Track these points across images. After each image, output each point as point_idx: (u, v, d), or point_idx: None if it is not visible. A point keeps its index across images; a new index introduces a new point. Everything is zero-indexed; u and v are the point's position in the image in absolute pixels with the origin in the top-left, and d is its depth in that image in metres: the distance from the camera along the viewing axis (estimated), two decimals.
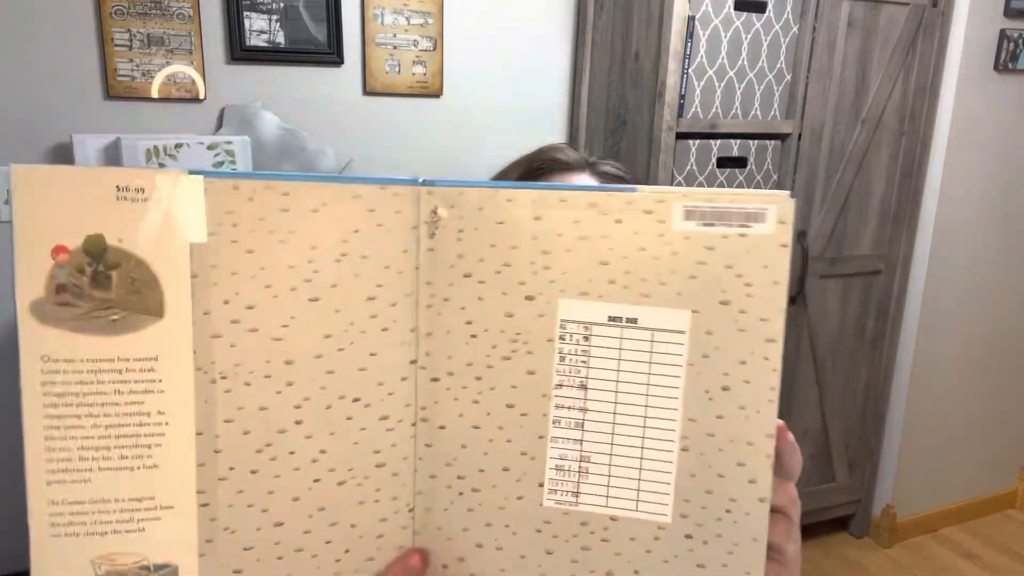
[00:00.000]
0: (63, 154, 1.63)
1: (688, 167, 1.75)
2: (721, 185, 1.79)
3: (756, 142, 1.81)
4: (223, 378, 0.38)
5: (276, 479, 0.39)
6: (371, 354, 0.39)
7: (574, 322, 0.39)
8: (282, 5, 1.73)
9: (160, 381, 0.37)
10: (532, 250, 0.39)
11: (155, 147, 1.60)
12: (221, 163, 1.66)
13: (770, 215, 0.37)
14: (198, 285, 0.37)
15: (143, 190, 0.36)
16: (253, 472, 0.39)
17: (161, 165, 1.61)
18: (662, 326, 0.39)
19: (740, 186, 1.82)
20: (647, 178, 1.75)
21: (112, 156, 1.60)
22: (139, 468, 0.37)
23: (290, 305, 0.38)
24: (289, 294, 0.38)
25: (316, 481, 0.40)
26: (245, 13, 1.70)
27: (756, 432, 0.38)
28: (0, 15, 1.56)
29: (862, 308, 2.12)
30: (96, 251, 0.35)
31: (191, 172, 0.36)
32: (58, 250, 0.35)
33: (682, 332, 0.39)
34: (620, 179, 0.74)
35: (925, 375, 2.23)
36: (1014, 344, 2.39)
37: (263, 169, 1.75)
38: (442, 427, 0.41)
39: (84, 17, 1.61)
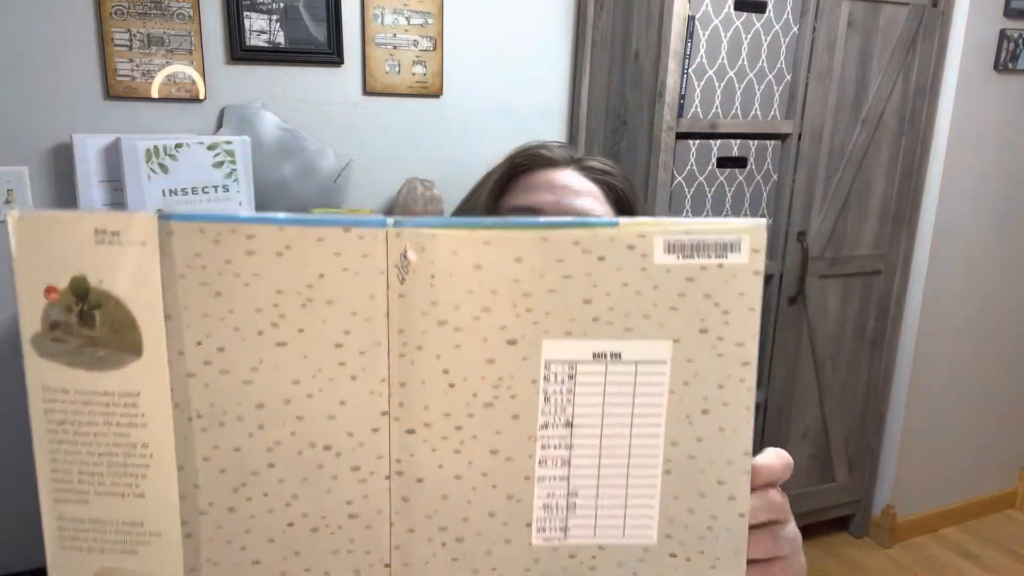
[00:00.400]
0: (63, 154, 1.63)
1: (688, 167, 1.75)
2: (721, 185, 1.79)
3: (756, 142, 1.81)
4: (199, 417, 0.39)
5: (252, 519, 0.40)
6: (340, 402, 0.39)
7: (559, 362, 0.39)
8: (282, 5, 1.73)
9: (143, 416, 0.38)
10: (514, 293, 0.38)
11: (155, 147, 1.60)
12: (221, 163, 1.66)
13: (744, 244, 0.38)
14: (172, 326, 0.38)
15: (118, 233, 0.37)
16: (231, 510, 0.40)
17: (161, 165, 1.61)
18: (645, 358, 0.39)
19: (740, 186, 1.82)
20: (647, 178, 1.75)
21: (112, 156, 1.60)
22: (128, 496, 0.39)
23: (258, 349, 0.38)
24: (256, 338, 0.38)
25: (290, 525, 0.40)
26: (245, 13, 1.70)
27: (734, 450, 0.40)
28: (0, 15, 1.56)
29: (862, 308, 2.12)
30: (80, 291, 0.37)
31: (160, 215, 0.37)
32: (50, 290, 0.37)
33: (664, 362, 0.39)
34: (606, 173, 0.73)
35: (925, 375, 2.23)
36: (1014, 344, 2.39)
37: (263, 169, 1.75)
38: (420, 480, 0.40)
39: (84, 17, 1.61)
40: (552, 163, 0.72)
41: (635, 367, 0.39)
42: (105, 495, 0.39)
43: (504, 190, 0.72)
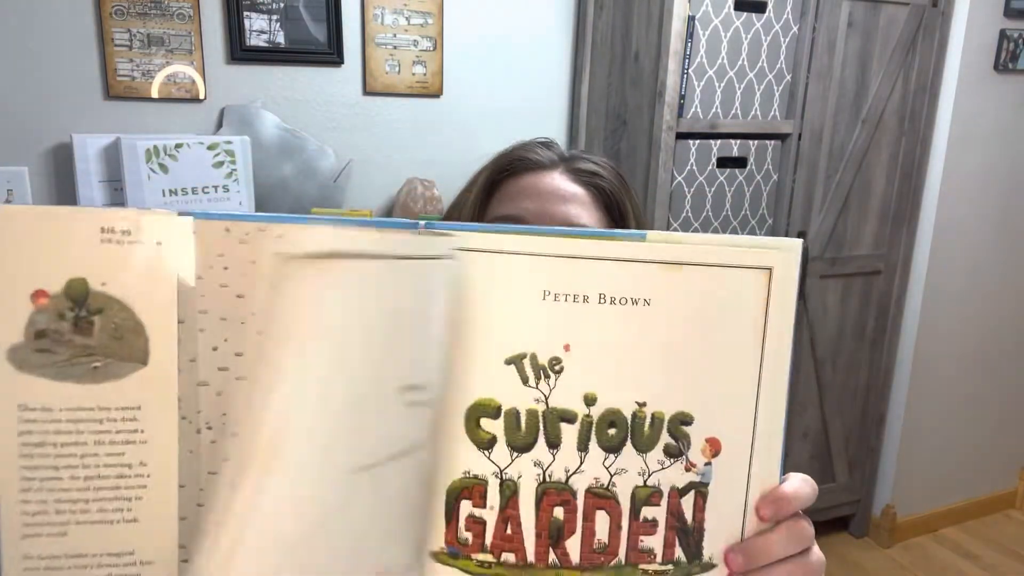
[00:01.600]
0: (63, 154, 1.63)
1: (688, 167, 1.75)
2: (721, 185, 1.79)
3: (756, 142, 1.81)
4: (208, 428, 0.36)
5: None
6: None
7: None
8: (282, 5, 1.73)
9: (142, 432, 0.35)
10: None
11: (155, 147, 1.60)
12: (221, 163, 1.66)
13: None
14: (184, 331, 0.35)
15: (129, 232, 0.34)
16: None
17: (161, 165, 1.61)
18: None
19: (740, 186, 1.81)
20: (647, 178, 1.75)
21: (112, 156, 1.60)
22: (118, 522, 0.36)
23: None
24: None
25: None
26: (245, 13, 1.70)
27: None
28: (0, 15, 1.56)
29: (862, 308, 2.12)
30: (79, 295, 0.34)
31: (181, 213, 0.34)
32: (39, 295, 0.34)
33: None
34: (596, 175, 0.68)
35: (925, 375, 2.23)
36: (1014, 344, 2.39)
37: (263, 169, 1.75)
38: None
39: (84, 17, 1.61)
40: (538, 166, 0.68)
41: None
42: (88, 524, 0.35)
43: (490, 196, 0.68)
